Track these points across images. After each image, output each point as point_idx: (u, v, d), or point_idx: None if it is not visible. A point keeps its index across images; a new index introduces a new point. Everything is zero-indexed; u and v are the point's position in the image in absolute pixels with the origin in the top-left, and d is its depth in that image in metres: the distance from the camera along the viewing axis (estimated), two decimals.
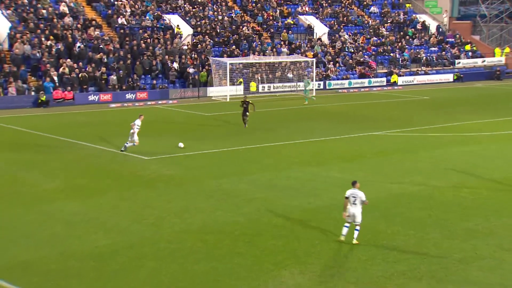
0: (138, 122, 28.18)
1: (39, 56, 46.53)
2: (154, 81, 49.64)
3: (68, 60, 47.11)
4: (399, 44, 64.71)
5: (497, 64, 66.83)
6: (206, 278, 15.11)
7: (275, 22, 61.71)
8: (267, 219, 19.43)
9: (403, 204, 21.17)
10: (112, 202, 21.28)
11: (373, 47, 63.04)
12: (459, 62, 65.39)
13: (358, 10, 69.53)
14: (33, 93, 44.52)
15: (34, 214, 19.99)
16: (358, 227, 17.15)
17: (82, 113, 41.74)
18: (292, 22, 62.20)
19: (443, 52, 65.97)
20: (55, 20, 50.79)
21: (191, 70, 50.96)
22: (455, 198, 21.92)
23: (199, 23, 57.50)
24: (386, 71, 60.37)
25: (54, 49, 47.46)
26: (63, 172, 25.32)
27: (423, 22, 69.19)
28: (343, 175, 24.90)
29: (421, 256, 16.61)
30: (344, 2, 69.03)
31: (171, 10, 58.16)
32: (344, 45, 61.58)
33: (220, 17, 59.44)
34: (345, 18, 66.01)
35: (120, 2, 55.97)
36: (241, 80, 52.40)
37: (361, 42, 63.10)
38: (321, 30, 62.44)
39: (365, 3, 70.43)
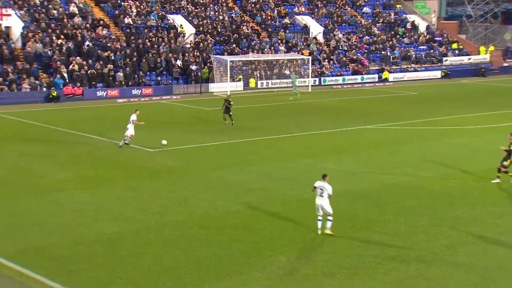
0: (133, 116, 27.80)
1: (50, 54, 46.45)
2: (159, 78, 49.59)
3: (78, 57, 47.06)
4: (390, 42, 64.61)
5: (482, 61, 66.75)
6: (208, 263, 15.12)
7: (273, 22, 61.59)
8: (265, 208, 19.43)
9: (394, 194, 21.19)
10: (119, 192, 21.27)
11: (366, 46, 62.94)
12: (447, 60, 65.31)
13: (352, 10, 69.38)
14: (44, 89, 44.45)
15: (46, 203, 20.00)
16: (330, 218, 16.79)
17: (90, 108, 41.69)
18: (289, 22, 62.06)
19: (432, 50, 65.88)
20: (65, 20, 50.68)
21: (193, 67, 50.89)
22: (443, 188, 21.94)
23: (201, 22, 57.38)
24: (377, 68, 60.29)
25: (64, 48, 47.38)
26: (73, 164, 25.30)
27: (413, 22, 69.07)
28: (338, 166, 24.93)
29: (411, 242, 16.63)
30: (338, 3, 68.86)
31: (174, 11, 58.02)
32: (338, 44, 61.48)
33: (221, 17, 59.30)
34: (339, 18, 65.87)
35: (127, 3, 55.84)
36: (241, 76, 52.32)
37: (354, 41, 63.00)
38: (316, 29, 62.32)
39: (358, 3, 70.29)
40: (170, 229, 17.55)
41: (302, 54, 56.18)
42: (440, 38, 68.87)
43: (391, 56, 62.29)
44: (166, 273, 14.54)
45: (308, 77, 53.51)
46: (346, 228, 17.67)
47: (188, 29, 55.48)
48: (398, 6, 72.36)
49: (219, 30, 57.34)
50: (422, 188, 21.95)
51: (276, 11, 63.42)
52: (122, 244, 16.34)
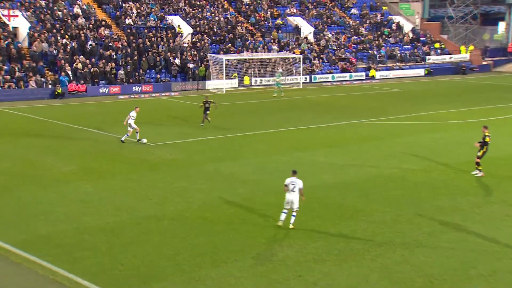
0: (133, 113, 27.42)
1: (55, 53, 46.27)
2: (158, 75, 49.44)
3: (81, 56, 46.87)
4: (377, 42, 64.59)
5: (463, 60, 66.81)
6: (205, 250, 15.13)
7: (266, 22, 61.47)
8: (259, 198, 19.44)
9: (380, 185, 21.22)
10: (121, 183, 21.24)
11: (354, 45, 62.91)
12: (430, 59, 65.34)
13: (340, 12, 69.29)
14: (50, 86, 44.27)
15: (52, 193, 19.95)
16: (295, 213, 16.46)
17: (93, 104, 41.56)
18: (281, 23, 61.95)
19: (416, 50, 65.90)
20: (69, 20, 50.47)
21: (191, 66, 50.76)
22: (426, 179, 21.99)
23: (198, 23, 57.21)
24: (365, 66, 60.28)
25: (68, 47, 47.19)
26: (77, 157, 25.23)
27: (398, 23, 69.05)
28: (327, 159, 24.95)
29: (396, 230, 16.68)
30: (327, 4, 68.76)
31: (173, 12, 57.81)
32: (328, 43, 61.42)
33: (217, 18, 59.13)
34: (328, 19, 65.78)
35: (127, 5, 55.62)
36: (236, 74, 52.24)
37: (343, 41, 62.95)
38: (307, 29, 62.23)
39: (346, 5, 70.20)
40: (169, 218, 17.54)
41: (294, 53, 56.11)
42: (424, 38, 68.89)
43: (378, 55, 62.29)
44: (165, 260, 14.55)
45: (299, 75, 53.46)
46: (335, 217, 17.71)
47: (186, 29, 55.31)
48: (384, 8, 72.30)
49: (215, 30, 57.19)
50: (406, 179, 22.00)
51: (269, 12, 63.30)
52: (124, 233, 16.33)
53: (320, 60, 58.54)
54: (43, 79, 44.37)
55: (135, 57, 49.18)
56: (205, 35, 55.62)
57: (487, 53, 70.66)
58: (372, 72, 58.93)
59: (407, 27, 69.11)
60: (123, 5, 55.42)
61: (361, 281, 13.48)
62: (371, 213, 18.03)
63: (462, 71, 64.08)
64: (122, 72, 47.47)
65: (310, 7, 67.01)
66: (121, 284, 13.22)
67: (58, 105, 40.85)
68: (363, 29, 66.35)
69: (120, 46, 49.61)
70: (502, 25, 74.55)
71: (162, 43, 51.99)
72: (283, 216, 16.57)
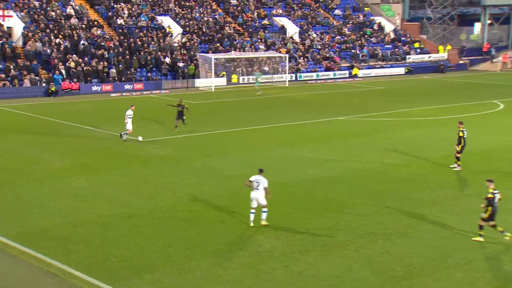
0: (129, 112, 27.21)
1: (49, 52, 45.89)
2: (149, 74, 49.21)
3: (74, 55, 46.52)
4: (359, 42, 64.73)
5: (441, 59, 67.12)
6: (194, 242, 15.13)
7: (253, 22, 61.37)
8: (246, 192, 19.32)
9: (363, 179, 21.30)
10: (114, 178, 21.16)
11: (337, 45, 62.98)
12: (410, 58, 65.59)
13: (324, 12, 69.35)
14: (44, 84, 43.94)
15: (46, 188, 19.85)
16: (265, 209, 16.11)
17: (86, 102, 41.32)
18: (267, 23, 61.88)
19: (396, 49, 66.14)
20: (62, 21, 50.07)
21: (181, 64, 50.58)
22: (406, 173, 22.11)
23: (187, 23, 56.99)
24: (348, 65, 60.37)
25: (62, 46, 46.82)
26: (71, 153, 25.10)
27: (379, 23, 69.21)
28: (313, 154, 25.01)
29: (378, 222, 16.78)
30: (312, 5, 68.78)
31: (163, 12, 57.52)
32: (313, 43, 61.46)
33: (205, 19, 58.94)
34: (313, 20, 65.80)
35: (119, 5, 55.27)
36: (224, 73, 52.13)
37: (327, 40, 63.00)
38: (292, 29, 62.21)
39: (330, 6, 70.25)
40: (160, 212, 17.52)
41: (280, 52, 56.07)
42: (404, 38, 69.14)
43: (360, 54, 62.43)
44: (156, 252, 14.54)
45: (285, 73, 53.46)
46: (320, 210, 17.78)
47: (176, 29, 55.08)
48: (366, 9, 72.45)
49: (204, 30, 57.01)
50: (388, 173, 22.10)
51: (256, 13, 63.20)
52: (117, 226, 16.29)
53: (305, 59, 58.58)
54: (37, 77, 44.03)
55: (127, 56, 48.93)
56: (194, 35, 55.43)
57: (464, 52, 71.09)
58: (355, 71, 59.08)
59: (388, 27, 69.33)
60: (115, 6, 55.08)
61: (344, 271, 13.55)
62: (354, 206, 18.11)
63: (441, 69, 64.43)
64: (114, 70, 47.21)
65: (295, 8, 67.01)
66: (114, 275, 13.20)
67: (52, 103, 40.55)
68: (346, 29, 66.47)
69: (112, 45, 49.31)
70: (477, 26, 75.02)
71: (152, 42, 51.75)
72: (252, 217, 16.17)
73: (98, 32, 50.29)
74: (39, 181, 20.68)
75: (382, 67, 62.30)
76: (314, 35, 62.87)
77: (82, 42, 48.01)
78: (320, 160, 23.91)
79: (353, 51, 62.62)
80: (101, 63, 47.08)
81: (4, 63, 43.71)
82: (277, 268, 13.64)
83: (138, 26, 53.48)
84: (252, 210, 16.15)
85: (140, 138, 27.42)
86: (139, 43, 50.95)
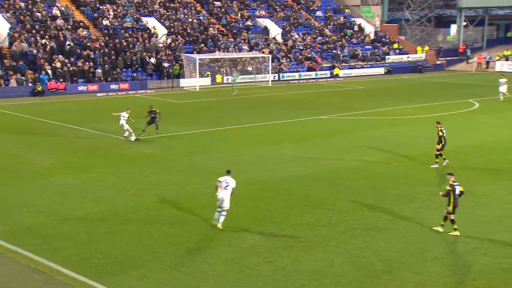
0: (124, 114, 26.88)
1: (35, 53, 45.44)
2: (135, 74, 48.96)
3: (60, 56, 46.13)
4: (340, 42, 64.99)
5: (419, 59, 67.63)
6: (180, 239, 15.09)
7: (236, 24, 61.30)
8: None
9: (344, 176, 21.38)
10: (100, 176, 21.01)
11: (319, 45, 63.18)
12: (389, 58, 66.00)
13: (306, 14, 69.50)
14: (30, 84, 43.50)
15: (33, 186, 19.64)
16: (224, 213, 15.67)
17: (73, 101, 40.97)
18: (251, 24, 61.87)
19: (376, 50, 66.53)
20: (48, 21, 49.57)
21: (166, 65, 50.38)
22: (386, 170, 22.23)
23: (172, 24, 56.77)
24: (329, 65, 60.59)
25: (48, 47, 46.38)
26: (57, 151, 24.87)
27: (360, 24, 69.56)
28: (295, 152, 25.05)
29: (358, 218, 16.85)
30: (294, 7, 68.89)
31: (148, 13, 57.23)
32: (295, 43, 61.57)
33: (190, 20, 58.75)
34: (295, 21, 65.92)
35: (105, 7, 54.87)
36: (209, 73, 52.02)
37: (309, 41, 63.17)
38: (275, 30, 62.27)
39: (311, 8, 70.42)
40: (146, 209, 17.44)
41: (263, 52, 56.11)
42: (383, 39, 69.55)
43: (341, 55, 62.69)
44: (142, 248, 14.47)
45: (268, 73, 53.50)
46: (302, 206, 17.82)
47: (161, 30, 54.83)
48: (346, 10, 72.76)
49: (189, 31, 56.83)
50: (368, 170, 22.21)
51: (239, 14, 63.15)
52: (103, 223, 16.18)
53: (288, 59, 58.68)
54: (23, 77, 43.57)
55: (112, 57, 48.61)
56: (179, 36, 55.24)
57: (441, 53, 71.71)
58: (336, 71, 59.31)
59: (368, 28, 69.69)
60: (100, 7, 54.68)
61: (326, 266, 13.60)
62: (335, 203, 18.18)
63: (419, 69, 64.94)
64: (100, 70, 46.88)
65: (278, 9, 67.06)
66: (100, 272, 13.11)
67: (38, 103, 40.15)
68: (327, 30, 66.70)
69: (98, 46, 48.96)
70: (453, 28, 75.71)
71: (138, 43, 51.47)
72: (217, 215, 15.83)
73: (84, 33, 49.89)
74: (26, 180, 20.47)
75: (362, 67, 62.61)
76: (296, 36, 63.00)
77: (68, 42, 47.60)
78: (301, 158, 23.95)
79: (334, 51, 62.87)
80: (87, 63, 46.73)
81: None
82: (260, 264, 13.65)
83: (123, 27, 53.15)
84: (218, 209, 15.82)
85: (132, 138, 27.00)
86: (125, 43, 50.66)
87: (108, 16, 53.66)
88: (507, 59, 67.30)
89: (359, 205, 17.97)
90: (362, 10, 74.15)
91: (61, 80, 44.20)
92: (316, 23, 67.63)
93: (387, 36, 70.11)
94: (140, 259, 13.85)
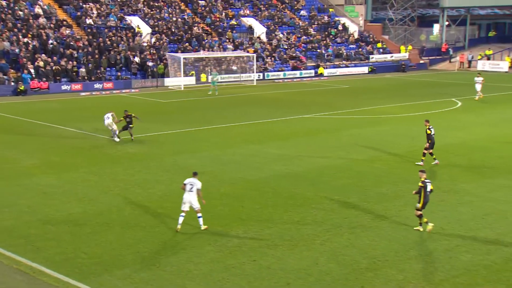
0: (108, 115, 26.42)
1: (17, 52, 44.92)
2: (119, 73, 48.64)
3: (43, 55, 45.67)
4: (324, 42, 65.16)
5: (402, 59, 68.04)
6: (164, 238, 15.02)
7: (221, 23, 61.19)
8: (215, 189, 19.38)
9: (329, 175, 21.44)
10: (83, 176, 20.84)
11: (303, 44, 63.29)
12: (373, 57, 66.32)
13: (290, 13, 69.58)
14: (12, 83, 43.01)
15: (15, 187, 19.43)
16: (199, 214, 15.45)
17: (56, 101, 40.59)
18: (235, 23, 61.79)
19: (360, 49, 66.82)
20: (31, 20, 49.05)
21: (150, 64, 50.12)
22: (370, 169, 22.32)
23: (156, 23, 56.49)
24: (314, 64, 60.71)
25: (30, 46, 45.88)
26: (40, 151, 24.63)
27: (344, 24, 69.80)
28: (280, 151, 25.07)
29: (343, 216, 16.90)
30: (278, 6, 68.95)
31: (132, 12, 56.89)
32: (279, 43, 61.62)
33: (174, 19, 58.52)
34: (279, 20, 65.97)
35: (88, 5, 54.43)
36: (193, 72, 51.86)
37: (293, 40, 63.25)
38: (260, 29, 62.26)
39: (296, 7, 70.54)
40: (130, 209, 17.33)
41: (248, 51, 56.07)
42: (367, 39, 69.88)
43: (326, 54, 62.86)
44: (126, 248, 14.38)
45: (253, 72, 53.49)
46: (287, 205, 17.83)
47: (145, 29, 54.55)
48: (331, 10, 72.97)
49: (173, 30, 56.60)
50: (352, 169, 22.29)
51: (223, 14, 63.03)
52: (87, 223, 16.05)
53: (272, 59, 58.70)
54: (5, 76, 43.06)
55: (96, 56, 48.24)
56: (163, 35, 55.00)
57: (424, 52, 72.24)
58: (320, 70, 59.45)
59: (352, 28, 69.96)
60: (84, 5, 54.23)
61: (311, 264, 13.63)
62: (320, 201, 18.22)
63: (402, 69, 65.34)
64: (84, 70, 46.49)
65: (262, 8, 67.06)
66: (84, 272, 13.00)
67: (20, 102, 39.71)
68: (311, 29, 66.83)
69: (81, 45, 48.56)
70: (436, 27, 76.29)
71: (122, 42, 51.14)
72: (180, 220, 15.43)
73: (67, 31, 49.45)
74: (8, 180, 20.23)
75: (346, 66, 62.84)
76: (281, 35, 63.05)
77: (50, 41, 47.14)
78: (286, 157, 23.97)
79: (318, 50, 63.02)
80: (70, 62, 46.32)
81: None
82: (245, 263, 13.63)
83: (107, 26, 52.77)
84: (182, 214, 15.40)
85: (117, 139, 26.58)
86: (109, 42, 50.30)
87: (92, 15, 53.25)
88: (488, 59, 68.00)
89: (344, 203, 18.03)
90: (346, 10, 74.43)
91: (44, 79, 43.77)
92: (300, 22, 67.75)
93: (371, 36, 70.42)
94: (124, 258, 13.76)
